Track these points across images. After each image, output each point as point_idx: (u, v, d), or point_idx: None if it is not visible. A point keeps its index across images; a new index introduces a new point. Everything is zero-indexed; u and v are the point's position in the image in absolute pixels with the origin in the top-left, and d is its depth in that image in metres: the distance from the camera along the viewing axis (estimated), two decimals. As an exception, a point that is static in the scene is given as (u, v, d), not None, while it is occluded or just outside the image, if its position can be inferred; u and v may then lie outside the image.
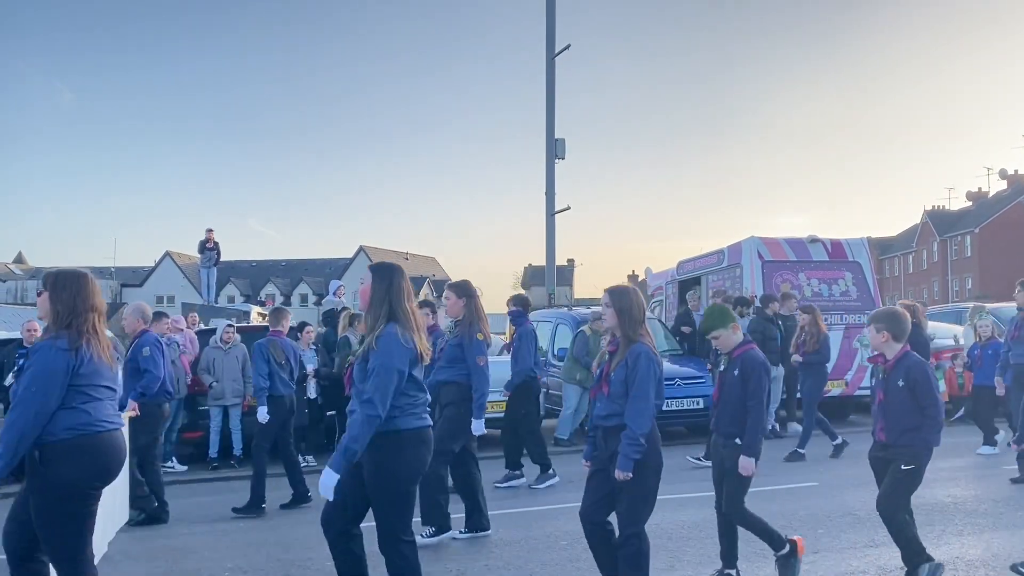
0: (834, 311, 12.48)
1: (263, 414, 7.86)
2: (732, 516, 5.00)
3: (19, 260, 68.14)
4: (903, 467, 4.79)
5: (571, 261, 70.64)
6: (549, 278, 21.06)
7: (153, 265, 65.71)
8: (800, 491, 7.96)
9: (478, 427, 6.63)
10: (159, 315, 11.15)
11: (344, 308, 12.10)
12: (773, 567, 5.07)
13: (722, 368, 5.22)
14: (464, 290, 6.83)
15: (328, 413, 11.20)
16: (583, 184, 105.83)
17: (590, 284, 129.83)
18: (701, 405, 11.57)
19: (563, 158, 20.32)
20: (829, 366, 12.01)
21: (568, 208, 20.68)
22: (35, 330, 10.13)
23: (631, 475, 4.30)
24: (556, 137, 20.33)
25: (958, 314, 14.59)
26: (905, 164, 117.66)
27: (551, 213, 20.44)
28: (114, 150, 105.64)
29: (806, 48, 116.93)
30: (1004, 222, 55.97)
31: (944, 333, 13.78)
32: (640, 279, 57.87)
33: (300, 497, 8.02)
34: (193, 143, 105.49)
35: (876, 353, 5.09)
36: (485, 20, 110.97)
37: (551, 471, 8.74)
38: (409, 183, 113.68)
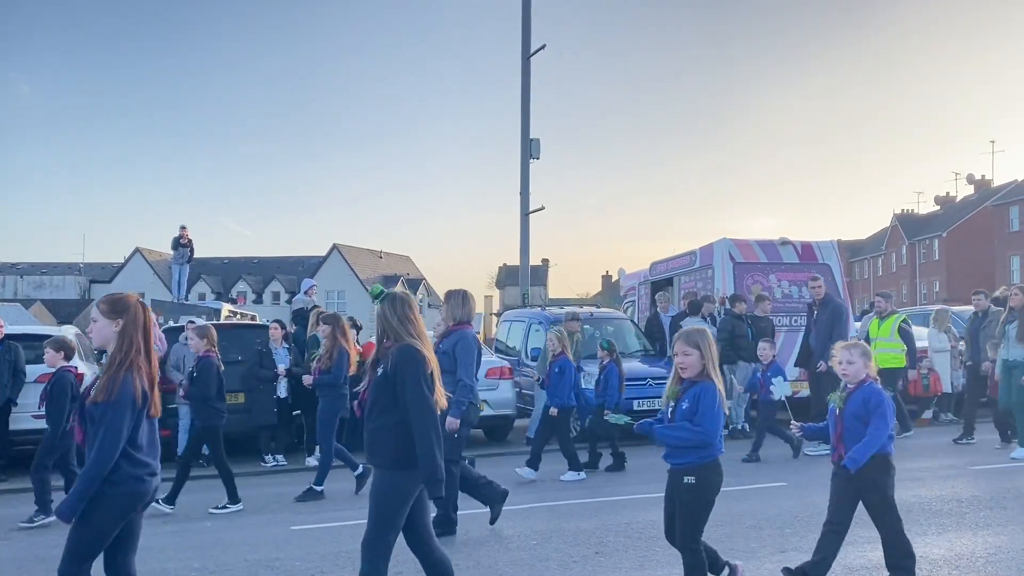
0: (804, 313, 12.58)
1: None
2: None
3: (-16, 255, 67.04)
4: None
5: (545, 261, 70.69)
6: (523, 278, 21.06)
7: (123, 261, 64.83)
8: (769, 491, 8.03)
9: None
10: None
11: (314, 307, 12.02)
12: (773, 563, 5.09)
13: None
14: None
15: (294, 412, 11.12)
16: (558, 184, 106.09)
17: (564, 284, 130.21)
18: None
19: (538, 158, 20.33)
20: (795, 369, 12.12)
21: (542, 208, 20.71)
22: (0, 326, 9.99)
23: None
24: (531, 137, 20.34)
25: (925, 316, 14.76)
26: (875, 168, 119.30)
27: (525, 213, 20.45)
28: (83, 145, 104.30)
29: (780, 54, 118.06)
30: (971, 226, 56.85)
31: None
32: (613, 279, 58.08)
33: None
34: (165, 139, 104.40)
35: None
36: (461, 20, 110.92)
37: None
38: (384, 181, 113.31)
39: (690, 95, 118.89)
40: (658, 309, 14.01)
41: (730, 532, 6.42)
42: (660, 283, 15.37)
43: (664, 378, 11.77)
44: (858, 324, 13.96)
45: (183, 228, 21.09)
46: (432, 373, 4.19)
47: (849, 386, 4.81)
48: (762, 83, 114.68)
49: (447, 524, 6.58)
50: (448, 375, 6.62)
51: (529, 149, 20.28)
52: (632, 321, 14.81)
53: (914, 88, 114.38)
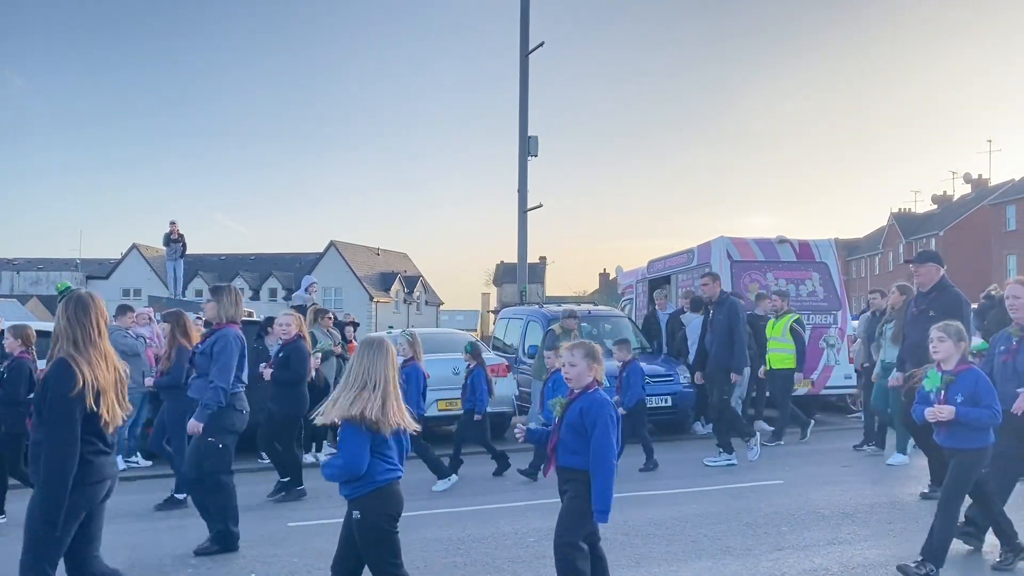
0: (801, 311, 12.61)
1: None
2: None
3: (-19, 251, 66.89)
4: None
5: (543, 259, 70.71)
6: (521, 275, 21.07)
7: (120, 257, 64.76)
8: (765, 489, 8.04)
9: None
10: (124, 308, 11.06)
11: (313, 304, 12.00)
12: (769, 561, 5.10)
13: None
14: None
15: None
16: (556, 182, 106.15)
17: (562, 282, 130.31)
18: (670, 403, 11.75)
19: (536, 155, 20.35)
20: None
21: (540, 206, 20.73)
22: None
23: None
24: (529, 135, 20.34)
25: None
26: (873, 167, 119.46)
27: (523, 210, 20.46)
28: (80, 141, 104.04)
29: (777, 52, 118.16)
30: (967, 225, 56.97)
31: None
32: (611, 277, 58.13)
33: None
34: (162, 136, 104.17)
35: None
36: (459, 17, 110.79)
37: None
38: (382, 178, 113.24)
39: (688, 93, 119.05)
40: (656, 307, 14.04)
41: (726, 529, 6.43)
42: (658, 281, 15.39)
43: (661, 376, 11.93)
44: (855, 323, 13.98)
45: (172, 223, 20.94)
46: (98, 390, 3.72)
47: (574, 391, 4.28)
48: (759, 81, 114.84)
49: (228, 539, 6.17)
50: (207, 378, 6.30)
51: (527, 147, 20.29)
52: (630, 319, 14.84)
53: (911, 87, 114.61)
